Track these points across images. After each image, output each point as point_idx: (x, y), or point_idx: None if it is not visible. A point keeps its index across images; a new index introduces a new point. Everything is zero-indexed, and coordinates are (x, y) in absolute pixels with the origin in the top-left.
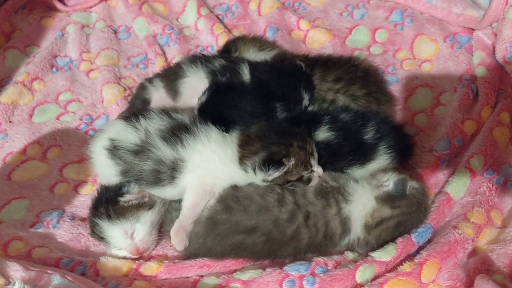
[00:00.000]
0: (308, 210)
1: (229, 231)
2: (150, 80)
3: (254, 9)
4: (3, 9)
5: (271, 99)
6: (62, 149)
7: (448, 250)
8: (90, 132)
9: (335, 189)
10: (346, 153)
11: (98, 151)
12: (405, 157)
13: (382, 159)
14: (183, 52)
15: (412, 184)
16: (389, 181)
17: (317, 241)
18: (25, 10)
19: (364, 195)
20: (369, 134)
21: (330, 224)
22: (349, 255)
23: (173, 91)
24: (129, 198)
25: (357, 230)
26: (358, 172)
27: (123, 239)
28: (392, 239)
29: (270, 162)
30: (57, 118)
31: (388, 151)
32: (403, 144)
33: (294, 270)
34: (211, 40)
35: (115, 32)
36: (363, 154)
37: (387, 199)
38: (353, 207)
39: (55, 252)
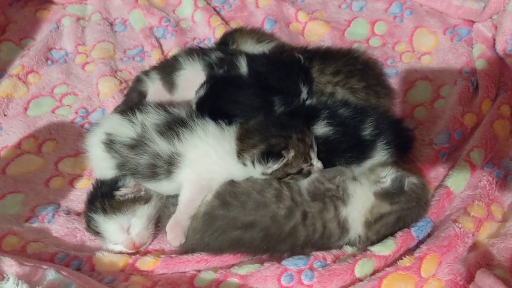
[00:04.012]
0: (305, 210)
1: (227, 226)
2: (146, 73)
3: (252, 1)
4: None
5: (269, 92)
6: (58, 143)
7: (448, 244)
8: (86, 126)
9: (333, 192)
10: (344, 149)
11: (94, 145)
12: (405, 151)
13: (380, 156)
14: (179, 44)
15: (411, 180)
16: (387, 178)
17: (314, 240)
18: (20, 3)
19: (363, 194)
20: (367, 130)
21: (328, 226)
22: (348, 249)
23: (170, 83)
24: (125, 192)
25: (357, 228)
26: (356, 169)
27: (119, 233)
28: (392, 234)
29: (269, 155)
30: (53, 112)
31: (386, 147)
32: (402, 139)
33: (292, 264)
34: (208, 32)
35: (111, 24)
36: (361, 152)
37: (386, 195)
38: (351, 208)
39: (50, 247)
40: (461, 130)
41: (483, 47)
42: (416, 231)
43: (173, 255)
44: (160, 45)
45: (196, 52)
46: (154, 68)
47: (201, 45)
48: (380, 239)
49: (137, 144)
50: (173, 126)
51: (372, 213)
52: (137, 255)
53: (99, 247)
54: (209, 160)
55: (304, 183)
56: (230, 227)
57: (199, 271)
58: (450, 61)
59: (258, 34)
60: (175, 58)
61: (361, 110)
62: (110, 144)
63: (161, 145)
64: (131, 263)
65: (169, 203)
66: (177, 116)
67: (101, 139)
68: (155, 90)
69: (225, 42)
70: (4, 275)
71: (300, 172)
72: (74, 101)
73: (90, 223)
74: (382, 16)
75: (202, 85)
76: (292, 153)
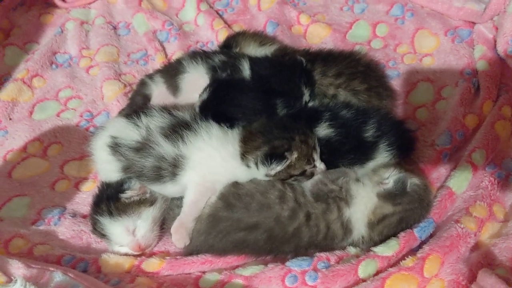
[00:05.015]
0: (309, 211)
1: (230, 228)
2: (150, 76)
3: (254, 4)
4: (1, 5)
5: (272, 95)
6: (63, 146)
7: (450, 245)
8: (91, 129)
9: (336, 193)
10: (346, 151)
11: (99, 148)
12: (407, 152)
13: (382, 157)
14: (183, 48)
15: (413, 181)
16: (389, 179)
17: (317, 241)
18: (24, 7)
19: (366, 195)
20: (369, 132)
21: (332, 227)
22: (352, 250)
23: (174, 86)
24: (130, 194)
25: (360, 229)
26: (359, 171)
27: (125, 235)
28: (395, 234)
29: (272, 156)
30: (57, 115)
31: (389, 149)
32: (404, 140)
33: (296, 265)
34: (211, 35)
35: (115, 28)
36: (364, 153)
37: (388, 196)
38: (355, 209)
39: (57, 249)
40: (462, 131)
41: (484, 48)
42: (419, 232)
43: (178, 257)
44: (164, 49)
45: (199, 55)
46: (158, 71)
47: (204, 48)
48: (383, 239)
49: (142, 147)
50: (178, 129)
51: (375, 214)
52: (143, 256)
53: (105, 249)
54: (213, 162)
55: (308, 185)
56: (234, 228)
57: (204, 272)
58: (452, 62)
59: (260, 37)
60: (178, 62)
61: (363, 112)
62: (115, 147)
63: (165, 148)
64: (137, 265)
65: (173, 205)
66: (181, 119)
67: (106, 142)
68: (159, 93)
69: (228, 45)
70: (12, 277)
71: (303, 173)
72: (79, 105)
73: (96, 226)
74: (384, 18)
75: (205, 89)
76: (295, 155)
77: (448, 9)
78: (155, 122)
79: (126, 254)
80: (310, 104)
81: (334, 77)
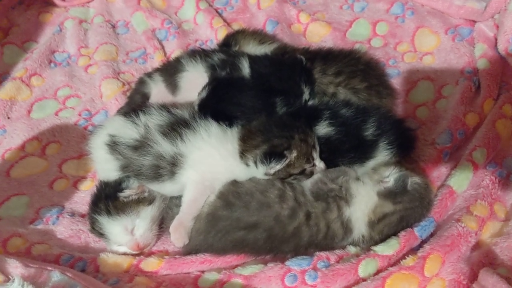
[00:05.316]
0: (308, 210)
1: (230, 227)
2: (149, 75)
3: (254, 2)
4: (0, 4)
5: (271, 94)
6: (61, 145)
7: (451, 244)
8: (89, 128)
9: (336, 192)
10: (346, 150)
11: (97, 147)
12: (407, 151)
13: (382, 156)
14: (182, 46)
15: (414, 179)
16: (390, 178)
17: (317, 240)
18: (22, 6)
19: (366, 194)
20: (369, 131)
21: (332, 226)
22: (352, 249)
23: (173, 85)
24: (128, 193)
25: (360, 228)
26: (359, 169)
27: (123, 235)
28: (395, 234)
29: (271, 155)
30: (56, 114)
31: (389, 147)
32: (404, 139)
33: (296, 265)
34: (210, 34)
35: (114, 27)
36: (364, 152)
37: (389, 195)
38: (355, 208)
39: (55, 248)
40: (463, 129)
41: (484, 46)
42: (419, 231)
43: (177, 256)
44: (163, 47)
45: (198, 54)
46: (157, 70)
47: (204, 47)
48: (383, 238)
49: (140, 146)
50: (176, 127)
51: (375, 212)
52: (141, 256)
53: (103, 248)
54: (212, 161)
55: (307, 184)
56: (234, 227)
57: (203, 271)
58: (452, 61)
59: (260, 36)
60: (177, 60)
61: (363, 111)
62: (113, 145)
63: (164, 146)
64: (135, 264)
65: (172, 204)
66: (180, 117)
67: (105, 141)
68: (158, 91)
69: (228, 44)
70: (10, 277)
71: (302, 172)
72: (77, 104)
73: (94, 225)
74: (384, 16)
75: (204, 87)
76: (294, 154)
77: (449, 8)
78: (154, 120)
79: (124, 254)
80: (309, 103)
81: (334, 76)
